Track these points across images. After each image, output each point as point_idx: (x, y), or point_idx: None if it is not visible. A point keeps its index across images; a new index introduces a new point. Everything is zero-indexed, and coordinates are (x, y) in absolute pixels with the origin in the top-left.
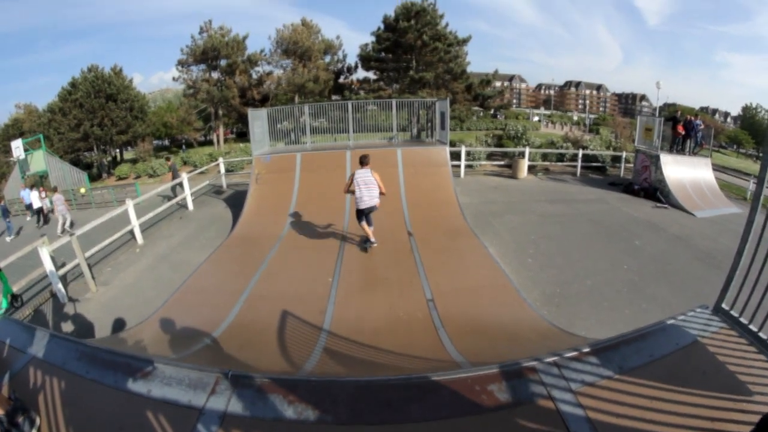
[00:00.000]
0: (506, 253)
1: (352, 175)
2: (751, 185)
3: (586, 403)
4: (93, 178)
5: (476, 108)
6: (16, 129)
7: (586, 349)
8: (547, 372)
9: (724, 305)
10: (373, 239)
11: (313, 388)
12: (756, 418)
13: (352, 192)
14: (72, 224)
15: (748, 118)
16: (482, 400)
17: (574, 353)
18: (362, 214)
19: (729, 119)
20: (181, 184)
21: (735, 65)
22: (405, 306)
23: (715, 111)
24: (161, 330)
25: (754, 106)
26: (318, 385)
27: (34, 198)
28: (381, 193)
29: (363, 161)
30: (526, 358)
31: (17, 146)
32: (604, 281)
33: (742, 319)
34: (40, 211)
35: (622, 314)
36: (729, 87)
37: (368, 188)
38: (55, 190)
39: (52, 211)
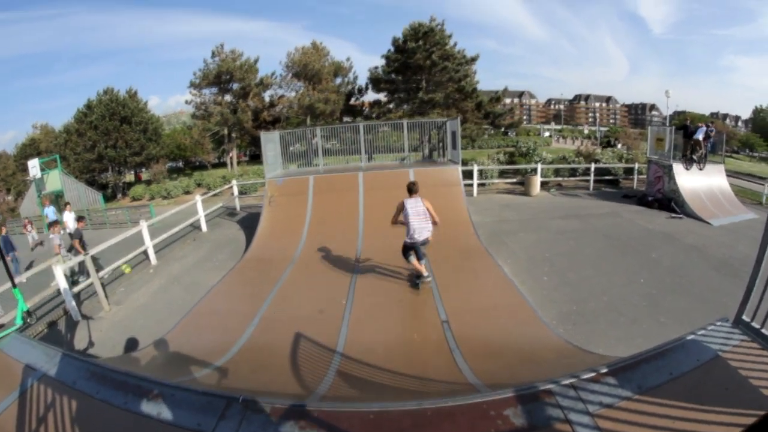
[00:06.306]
0: (521, 272)
1: (401, 204)
2: (767, 189)
3: (605, 426)
4: (108, 199)
5: (487, 126)
6: (33, 149)
7: (604, 370)
8: (564, 395)
9: (744, 317)
10: (426, 273)
11: (324, 414)
12: None
13: (401, 223)
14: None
15: (759, 120)
16: (498, 426)
17: (592, 374)
18: (411, 249)
19: (740, 123)
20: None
21: (742, 68)
22: (419, 327)
23: (725, 116)
24: (173, 351)
25: (764, 107)
26: (330, 412)
27: (70, 220)
28: (434, 223)
29: (411, 189)
30: (543, 380)
31: (34, 166)
32: (621, 296)
33: (764, 331)
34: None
35: (640, 329)
36: (738, 90)
37: (419, 219)
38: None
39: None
